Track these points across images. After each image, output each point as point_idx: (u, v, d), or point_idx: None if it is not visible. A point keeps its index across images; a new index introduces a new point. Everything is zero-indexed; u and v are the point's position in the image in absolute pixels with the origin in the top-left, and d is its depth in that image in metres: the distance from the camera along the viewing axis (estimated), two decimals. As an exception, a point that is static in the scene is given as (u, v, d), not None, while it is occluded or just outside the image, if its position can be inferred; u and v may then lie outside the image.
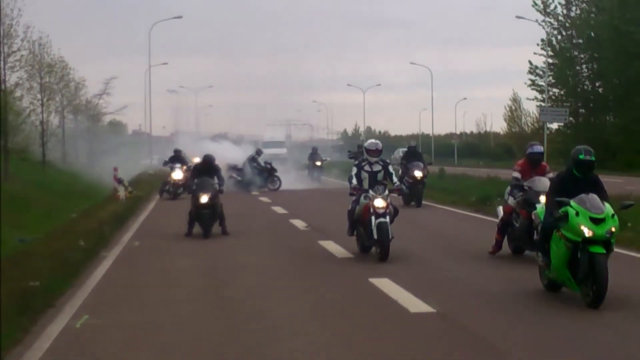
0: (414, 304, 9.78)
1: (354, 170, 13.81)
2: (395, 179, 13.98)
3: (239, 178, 33.58)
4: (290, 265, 13.46)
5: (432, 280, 11.61)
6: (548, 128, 62.62)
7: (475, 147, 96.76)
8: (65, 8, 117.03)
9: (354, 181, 13.68)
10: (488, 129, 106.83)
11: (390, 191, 13.63)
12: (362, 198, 13.55)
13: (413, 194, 24.40)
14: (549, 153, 59.57)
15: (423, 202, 24.49)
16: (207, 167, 17.97)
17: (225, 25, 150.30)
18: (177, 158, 30.83)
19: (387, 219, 13.15)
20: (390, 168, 13.93)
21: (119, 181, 28.25)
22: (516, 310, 9.57)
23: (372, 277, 11.60)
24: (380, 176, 13.73)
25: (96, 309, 9.95)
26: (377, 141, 14.21)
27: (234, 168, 33.82)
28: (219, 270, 13.31)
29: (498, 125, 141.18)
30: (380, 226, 13.06)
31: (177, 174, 29.61)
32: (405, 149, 30.12)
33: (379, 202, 13.23)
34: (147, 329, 8.94)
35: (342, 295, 10.68)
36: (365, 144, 14.16)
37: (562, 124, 62.42)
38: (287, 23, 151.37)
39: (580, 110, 63.51)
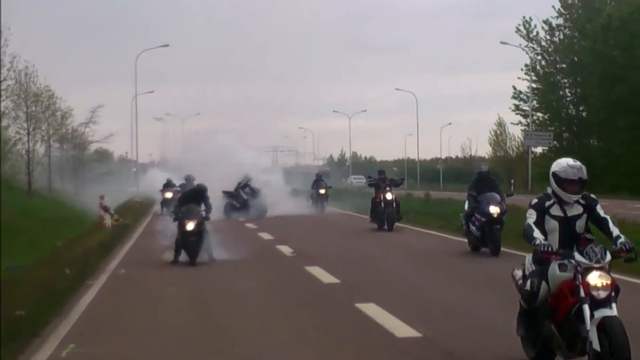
0: (401, 329, 9.80)
1: (532, 215, 7.55)
2: (613, 229, 7.48)
3: (237, 205, 33.63)
4: (276, 291, 13.46)
5: (419, 305, 11.62)
6: (532, 152, 63.08)
7: (460, 171, 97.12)
8: (51, 37, 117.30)
9: (538, 235, 7.40)
10: (473, 154, 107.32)
11: (615, 255, 7.29)
12: (555, 268, 7.41)
13: (488, 237, 17.61)
14: (533, 177, 60.16)
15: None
16: (195, 195, 18.01)
17: (211, 53, 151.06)
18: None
19: (615, 310, 7.04)
20: (601, 210, 7.62)
21: (105, 209, 28.12)
22: (503, 336, 9.59)
23: (359, 302, 11.62)
24: (580, 225, 7.59)
25: (82, 337, 9.93)
26: (580, 164, 7.54)
27: (229, 194, 33.87)
28: (205, 297, 13.30)
29: (483, 149, 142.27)
30: (607, 326, 6.90)
31: None
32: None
33: (598, 279, 7.08)
34: (133, 357, 8.93)
35: (328, 320, 10.69)
36: (556, 168, 7.56)
37: (546, 148, 62.86)
38: (274, 50, 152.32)
39: (565, 134, 64.03)
